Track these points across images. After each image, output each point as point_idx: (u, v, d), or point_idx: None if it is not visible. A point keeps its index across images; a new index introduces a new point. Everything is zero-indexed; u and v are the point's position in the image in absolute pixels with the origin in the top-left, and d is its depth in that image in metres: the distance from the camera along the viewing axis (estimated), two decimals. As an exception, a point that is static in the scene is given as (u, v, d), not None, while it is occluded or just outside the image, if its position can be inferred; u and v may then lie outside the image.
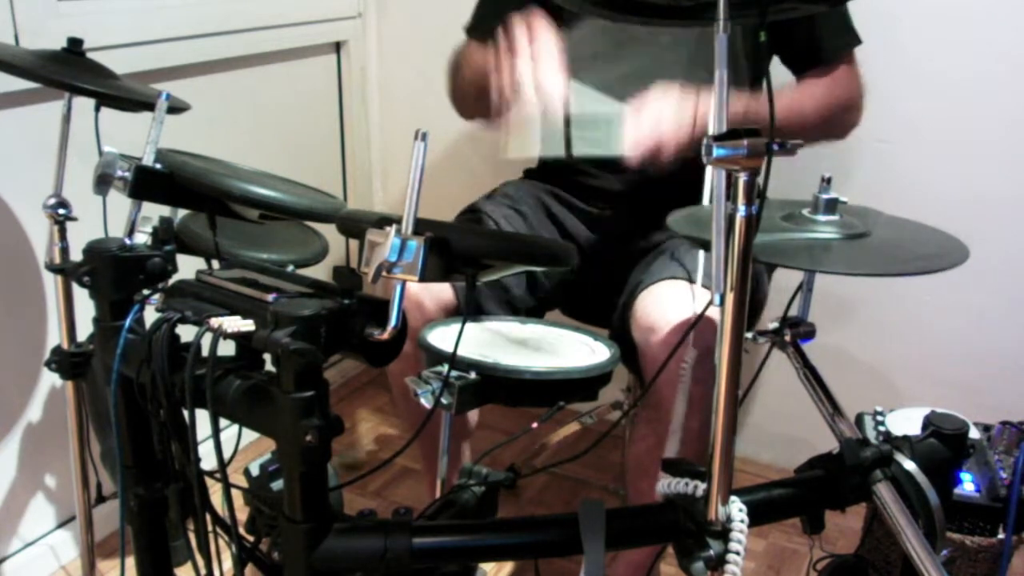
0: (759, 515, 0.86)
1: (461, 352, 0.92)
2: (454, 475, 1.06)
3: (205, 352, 0.77)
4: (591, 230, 1.52)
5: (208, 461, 0.81)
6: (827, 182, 1.08)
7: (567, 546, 0.83)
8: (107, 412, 0.93)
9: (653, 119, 1.19)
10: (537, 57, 1.19)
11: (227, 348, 0.78)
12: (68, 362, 1.32)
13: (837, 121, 1.42)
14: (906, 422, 1.37)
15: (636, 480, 1.32)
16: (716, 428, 0.80)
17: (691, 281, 1.24)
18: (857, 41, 1.42)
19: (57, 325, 1.36)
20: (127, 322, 0.87)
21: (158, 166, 0.94)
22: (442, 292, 1.32)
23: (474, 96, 1.36)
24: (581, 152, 1.19)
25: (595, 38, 1.37)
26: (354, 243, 1.37)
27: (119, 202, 0.97)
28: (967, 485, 1.30)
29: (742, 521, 0.82)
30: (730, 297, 0.78)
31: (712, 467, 0.81)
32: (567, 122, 1.19)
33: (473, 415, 1.55)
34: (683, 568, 0.83)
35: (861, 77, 1.43)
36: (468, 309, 0.89)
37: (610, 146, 1.20)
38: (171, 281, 0.91)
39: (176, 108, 1.25)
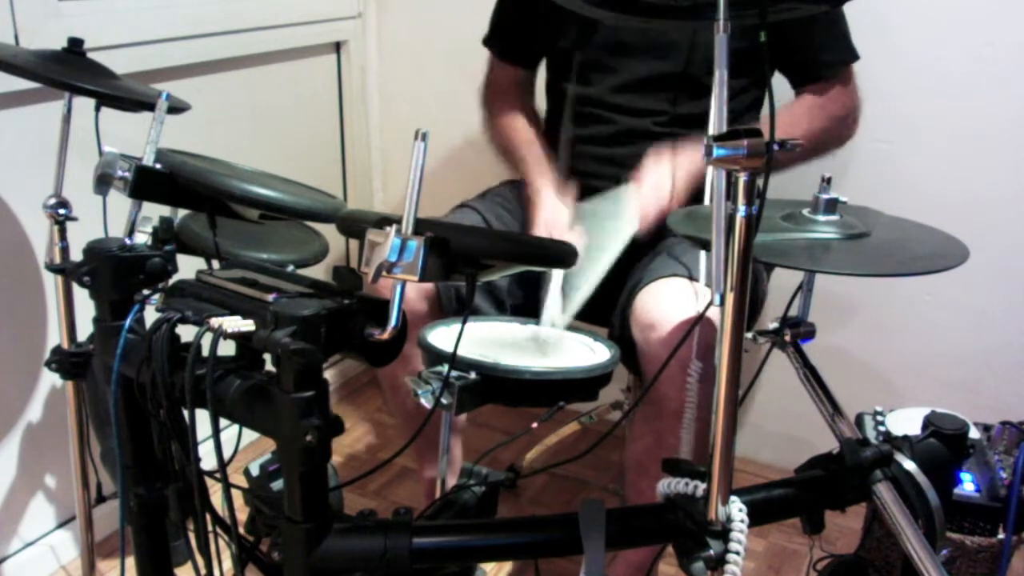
0: (759, 515, 0.86)
1: (461, 352, 0.92)
2: (451, 474, 1.06)
3: (205, 352, 0.77)
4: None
5: (208, 461, 0.81)
6: (827, 182, 1.08)
7: (567, 546, 0.83)
8: (107, 412, 0.93)
9: (654, 194, 1.32)
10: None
11: (227, 348, 0.78)
12: (68, 362, 1.32)
13: (832, 137, 1.45)
14: (906, 422, 1.37)
15: (636, 480, 1.32)
16: (716, 428, 0.80)
17: (691, 279, 1.24)
18: (854, 57, 1.43)
19: (57, 325, 1.36)
20: (127, 322, 0.87)
21: (158, 166, 0.94)
22: (424, 283, 1.32)
23: (503, 158, 1.59)
24: (598, 265, 1.26)
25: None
26: (354, 243, 1.37)
27: (119, 202, 0.97)
28: (967, 485, 1.30)
29: (742, 521, 0.82)
30: (730, 297, 0.78)
31: (712, 467, 0.81)
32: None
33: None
34: (683, 568, 0.82)
35: (858, 91, 1.45)
36: (468, 309, 0.89)
37: (622, 237, 1.28)
38: (171, 281, 0.91)
39: (176, 108, 1.25)
